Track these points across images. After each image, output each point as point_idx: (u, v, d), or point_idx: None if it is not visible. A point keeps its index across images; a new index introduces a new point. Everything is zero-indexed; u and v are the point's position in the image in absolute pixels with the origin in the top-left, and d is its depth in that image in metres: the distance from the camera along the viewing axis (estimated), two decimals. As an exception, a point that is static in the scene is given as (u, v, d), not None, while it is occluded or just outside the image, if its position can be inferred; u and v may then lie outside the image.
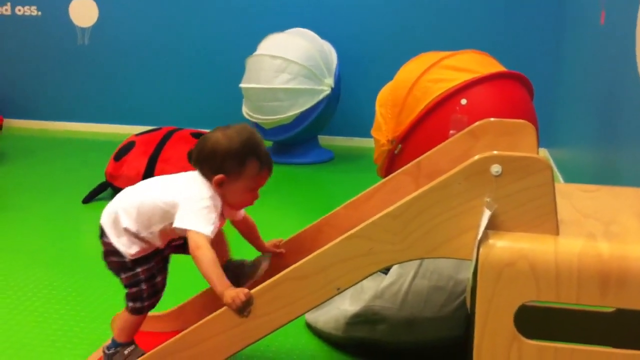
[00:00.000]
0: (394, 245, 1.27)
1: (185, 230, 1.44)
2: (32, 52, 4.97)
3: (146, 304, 1.52)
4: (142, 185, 1.57)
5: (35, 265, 2.41)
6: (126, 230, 1.49)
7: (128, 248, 1.49)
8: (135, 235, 1.49)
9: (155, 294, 1.53)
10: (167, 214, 1.47)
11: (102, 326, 1.92)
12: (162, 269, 1.57)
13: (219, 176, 1.47)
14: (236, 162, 1.47)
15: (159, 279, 1.54)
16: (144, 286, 1.51)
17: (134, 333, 1.57)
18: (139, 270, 1.51)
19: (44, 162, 4.05)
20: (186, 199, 1.46)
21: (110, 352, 1.55)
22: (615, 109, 2.35)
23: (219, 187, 1.48)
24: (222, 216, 1.53)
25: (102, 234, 1.53)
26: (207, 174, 1.49)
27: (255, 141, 1.50)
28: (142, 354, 1.51)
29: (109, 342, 1.57)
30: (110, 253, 1.52)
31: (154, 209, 1.48)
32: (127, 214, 1.49)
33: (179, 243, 1.59)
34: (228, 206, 1.54)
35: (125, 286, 1.53)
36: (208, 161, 1.49)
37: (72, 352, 1.80)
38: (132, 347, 1.55)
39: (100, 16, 4.82)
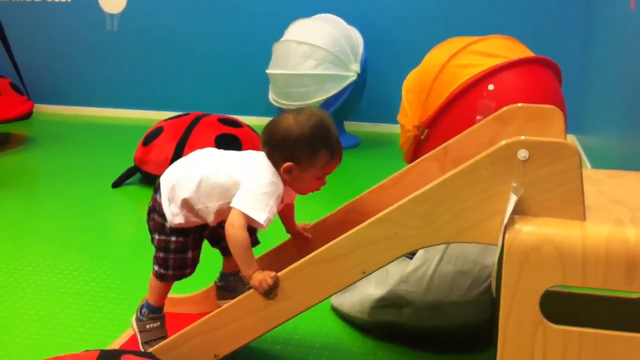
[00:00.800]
0: (419, 230, 1.28)
1: (237, 210, 1.42)
2: (62, 38, 5.03)
3: (170, 272, 1.53)
4: (208, 154, 1.55)
5: (65, 249, 2.46)
6: (183, 199, 1.48)
7: (173, 216, 1.49)
8: (190, 207, 1.48)
9: (182, 267, 1.53)
10: (228, 193, 1.45)
11: (130, 308, 1.95)
12: (197, 246, 1.56)
13: (289, 164, 1.44)
14: (307, 151, 1.43)
15: (190, 254, 1.53)
16: (172, 255, 1.52)
17: (162, 298, 1.57)
18: (173, 238, 1.51)
19: (74, 147, 4.11)
20: (249, 181, 1.44)
21: (139, 315, 1.57)
22: (645, 95, 2.32)
23: (287, 174, 1.45)
24: (281, 202, 1.51)
25: (157, 190, 1.53)
26: (276, 160, 1.46)
27: (327, 129, 1.45)
28: (164, 336, 1.53)
29: (143, 301, 1.59)
30: (156, 211, 1.52)
31: (216, 184, 1.46)
32: (188, 183, 1.48)
33: None
34: (294, 191, 1.52)
35: (156, 248, 1.53)
36: (278, 147, 1.45)
37: (101, 333, 1.84)
38: (156, 324, 1.56)
39: (128, 3, 4.86)
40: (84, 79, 5.05)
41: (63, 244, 2.51)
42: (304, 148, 1.43)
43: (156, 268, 1.54)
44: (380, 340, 1.80)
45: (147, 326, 1.55)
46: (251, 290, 1.41)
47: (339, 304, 1.92)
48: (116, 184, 3.22)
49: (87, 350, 1.18)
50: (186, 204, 1.49)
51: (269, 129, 1.48)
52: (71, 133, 4.49)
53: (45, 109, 5.03)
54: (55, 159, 3.82)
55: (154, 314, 1.57)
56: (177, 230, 1.51)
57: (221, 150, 1.57)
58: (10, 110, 3.99)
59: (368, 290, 1.83)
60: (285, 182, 1.48)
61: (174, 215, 1.49)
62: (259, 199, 1.43)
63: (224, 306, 1.45)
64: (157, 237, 1.53)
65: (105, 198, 3.09)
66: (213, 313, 1.45)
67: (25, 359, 1.70)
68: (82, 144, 4.21)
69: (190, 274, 1.56)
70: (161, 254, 1.53)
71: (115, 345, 1.59)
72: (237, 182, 1.45)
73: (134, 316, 1.59)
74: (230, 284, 1.67)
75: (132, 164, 3.26)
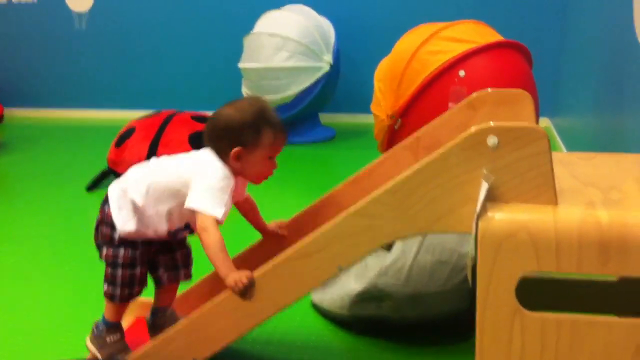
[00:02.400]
0: (393, 221, 1.26)
1: (194, 211, 1.42)
2: (30, 39, 4.94)
3: (118, 291, 1.49)
4: (155, 162, 1.54)
5: (40, 255, 2.42)
6: (133, 205, 1.46)
7: (124, 224, 1.46)
8: (140, 213, 1.46)
9: (131, 284, 1.49)
10: (179, 193, 1.44)
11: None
12: (145, 264, 1.52)
13: (237, 149, 1.45)
14: (252, 132, 1.45)
15: (138, 271, 1.50)
16: (119, 271, 1.48)
17: (120, 315, 1.54)
18: (122, 251, 1.48)
19: (46, 150, 4.05)
20: (199, 179, 1.43)
21: (96, 331, 1.53)
22: (617, 77, 2.32)
23: (237, 160, 1.46)
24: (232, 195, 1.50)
25: (105, 201, 1.51)
26: (223, 150, 1.46)
27: (267, 109, 1.48)
28: (127, 349, 1.50)
29: (96, 321, 1.56)
30: (104, 223, 1.49)
31: (166, 186, 1.45)
32: (137, 188, 1.47)
33: (181, 237, 1.56)
34: (247, 179, 1.51)
35: (105, 263, 1.50)
36: (223, 137, 1.46)
37: (82, 339, 1.80)
38: (116, 336, 1.53)
39: (95, 1, 4.79)
40: (53, 81, 4.98)
41: (38, 250, 2.47)
42: (248, 131, 1.45)
43: (105, 287, 1.51)
44: (362, 335, 1.79)
45: (108, 339, 1.52)
46: (228, 291, 1.39)
47: (319, 301, 1.90)
48: (91, 187, 3.17)
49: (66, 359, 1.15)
50: (137, 210, 1.47)
51: (210, 124, 1.50)
52: (43, 136, 4.42)
53: (15, 113, 4.95)
54: (28, 163, 3.76)
55: (112, 328, 1.53)
56: (126, 242, 1.48)
57: (168, 156, 1.55)
58: (-21, 116, 3.93)
59: (348, 285, 1.81)
60: (236, 172, 1.48)
61: (125, 222, 1.47)
62: (213, 194, 1.42)
63: (201, 308, 1.43)
64: (105, 251, 1.50)
65: (80, 201, 3.05)
66: (191, 316, 1.43)
67: (1, 371, 1.67)
68: (55, 147, 4.15)
69: (138, 293, 1.52)
70: (109, 270, 1.50)
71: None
72: (187, 181, 1.44)
73: (88, 336, 1.55)
74: (158, 321, 1.61)
75: (105, 166, 3.22)
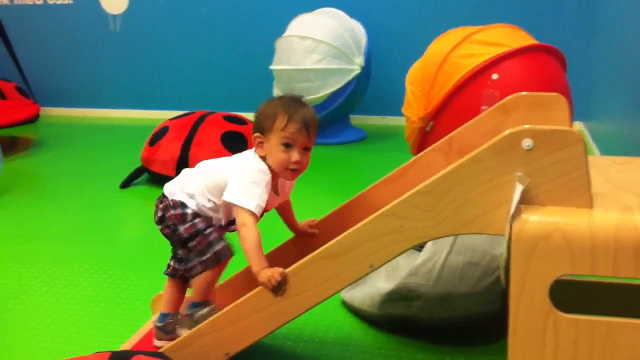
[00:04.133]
0: (425, 222, 1.27)
1: (233, 205, 1.48)
2: (65, 40, 5.04)
3: (219, 247, 1.52)
4: (207, 162, 1.61)
5: (75, 251, 2.47)
6: (189, 195, 1.54)
7: (190, 201, 1.54)
8: (199, 207, 1.54)
9: (225, 239, 1.55)
10: (223, 189, 1.50)
11: (141, 308, 1.96)
12: (221, 231, 1.58)
13: (255, 134, 1.51)
14: (267, 118, 1.49)
15: (216, 233, 1.54)
16: (207, 232, 1.52)
17: (211, 288, 1.57)
18: (197, 221, 1.53)
19: (81, 149, 4.12)
20: (235, 174, 1.49)
21: (189, 312, 1.56)
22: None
23: (260, 148, 1.51)
24: (275, 194, 1.55)
25: (163, 196, 1.57)
26: (253, 140, 1.53)
27: (290, 101, 1.52)
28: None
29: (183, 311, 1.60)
30: (171, 207, 1.54)
31: (213, 184, 1.52)
32: (191, 186, 1.55)
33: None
34: (275, 172, 1.53)
35: (187, 239, 1.52)
36: (253, 128, 1.53)
37: (113, 334, 1.84)
38: (208, 308, 1.56)
39: (130, 3, 4.86)
40: (88, 81, 5.06)
41: (73, 246, 2.52)
42: (266, 116, 1.50)
43: (203, 258, 1.52)
44: (391, 333, 1.80)
45: (200, 313, 1.54)
46: (260, 288, 1.41)
47: (349, 299, 1.91)
48: (124, 185, 3.22)
49: (98, 352, 1.18)
50: (199, 201, 1.54)
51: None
52: (77, 135, 4.50)
53: (51, 112, 5.05)
54: (63, 162, 3.83)
55: (200, 305, 1.56)
56: (199, 215, 1.54)
57: (213, 159, 1.61)
58: (16, 114, 4.01)
59: (378, 284, 1.83)
60: (270, 168, 1.50)
61: (190, 200, 1.54)
62: (246, 187, 1.47)
63: (234, 303, 1.45)
64: (182, 228, 1.53)
65: (114, 199, 3.10)
66: (223, 311, 1.46)
67: (38, 362, 1.71)
68: (89, 146, 4.22)
69: (225, 254, 1.54)
70: (199, 238, 1.52)
71: (127, 345, 1.60)
72: (227, 177, 1.50)
73: (182, 324, 1.59)
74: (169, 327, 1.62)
75: (139, 164, 3.27)
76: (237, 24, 4.66)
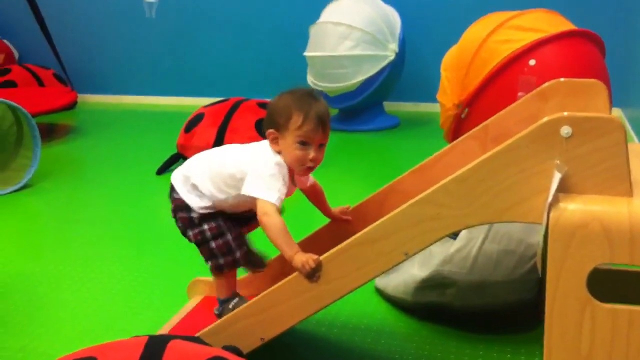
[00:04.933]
0: (461, 210, 1.27)
1: (252, 198, 1.47)
2: (101, 28, 5.10)
3: (222, 261, 1.54)
4: (214, 151, 1.60)
5: (112, 237, 2.51)
6: (200, 188, 1.53)
7: (198, 202, 1.53)
8: (208, 197, 1.53)
9: (230, 251, 1.54)
10: (239, 182, 1.50)
11: (177, 294, 1.99)
12: (233, 227, 1.57)
13: (270, 131, 1.50)
14: (281, 115, 1.48)
15: (229, 236, 1.55)
16: (213, 244, 1.53)
17: (231, 287, 1.59)
18: (205, 227, 1.54)
19: (118, 135, 4.18)
20: (253, 167, 1.49)
21: (219, 311, 1.59)
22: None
23: (274, 144, 1.50)
24: (292, 184, 1.54)
25: (172, 190, 1.58)
26: (268, 136, 1.51)
27: (303, 97, 1.50)
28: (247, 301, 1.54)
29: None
30: (179, 208, 1.55)
31: (225, 175, 1.51)
32: (200, 177, 1.54)
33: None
34: (290, 167, 1.53)
35: (197, 245, 1.55)
36: (265, 122, 1.52)
37: (150, 318, 1.88)
38: (235, 300, 1.58)
39: (165, -10, 4.90)
40: (125, 68, 5.12)
41: (110, 232, 2.56)
42: (280, 113, 1.49)
43: (210, 264, 1.56)
44: (425, 320, 1.80)
45: (230, 305, 1.56)
46: (295, 274, 1.42)
47: (383, 286, 1.92)
48: (160, 171, 3.26)
49: (136, 336, 1.20)
50: (204, 196, 1.53)
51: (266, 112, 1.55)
52: (114, 121, 4.56)
53: (89, 99, 5.12)
54: (100, 148, 3.89)
55: (228, 301, 1.59)
56: (206, 218, 1.54)
57: (224, 146, 1.62)
58: (54, 101, 4.08)
59: (412, 271, 1.82)
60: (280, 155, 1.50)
61: (197, 201, 1.53)
62: (265, 180, 1.47)
63: (270, 289, 1.46)
64: (190, 233, 1.55)
65: (150, 185, 3.14)
66: (259, 296, 1.47)
67: (76, 346, 1.74)
68: (126, 132, 4.28)
69: (242, 257, 1.56)
70: (205, 248, 1.55)
71: (164, 330, 1.63)
72: (243, 170, 1.50)
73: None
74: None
75: (175, 151, 3.31)
76: (271, 10, 4.67)
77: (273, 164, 1.49)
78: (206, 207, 1.54)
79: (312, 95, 1.52)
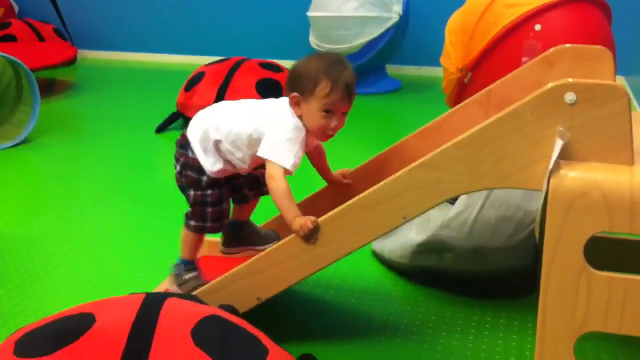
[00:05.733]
0: (462, 175, 1.26)
1: (265, 160, 1.47)
2: (102, -17, 5.02)
3: (209, 225, 1.55)
4: (234, 106, 1.57)
5: (112, 194, 2.51)
6: (216, 146, 1.51)
7: (212, 165, 1.51)
8: (224, 155, 1.52)
9: (220, 219, 1.55)
10: (257, 142, 1.48)
11: (175, 251, 1.99)
12: (228, 198, 1.59)
13: (293, 94, 1.47)
14: (309, 80, 1.46)
15: (225, 205, 1.56)
16: (209, 209, 1.53)
17: (196, 252, 1.61)
18: (209, 192, 1.53)
19: (118, 92, 4.15)
20: (271, 129, 1.47)
21: (175, 271, 1.60)
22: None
23: (296, 107, 1.48)
24: (305, 146, 1.53)
25: (186, 145, 1.54)
26: (290, 97, 1.49)
27: (333, 64, 1.47)
28: (202, 284, 1.55)
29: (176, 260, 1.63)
30: (190, 167, 1.53)
31: (245, 135, 1.49)
32: (219, 133, 1.51)
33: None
34: (310, 133, 1.51)
35: (192, 203, 1.55)
36: (289, 83, 1.50)
37: (148, 276, 1.89)
38: (193, 274, 1.58)
39: (167, -55, 4.81)
40: (125, 24, 5.06)
41: (111, 190, 2.56)
42: (307, 78, 1.46)
43: (193, 223, 1.55)
44: (421, 285, 1.81)
45: (185, 277, 1.58)
46: (293, 235, 1.42)
47: (379, 249, 1.92)
48: (160, 129, 3.25)
49: (133, 293, 1.20)
50: (221, 153, 1.51)
51: (289, 72, 1.52)
52: (114, 78, 4.53)
53: (89, 55, 5.07)
54: (100, 105, 3.86)
55: (189, 266, 1.59)
56: (213, 183, 1.53)
57: (241, 101, 1.59)
58: (54, 56, 4.04)
59: (409, 235, 1.83)
60: (300, 120, 1.49)
61: (213, 164, 1.51)
62: (283, 145, 1.45)
63: (266, 250, 1.47)
64: (193, 192, 1.54)
65: (149, 143, 3.13)
66: (256, 257, 1.47)
67: (75, 301, 1.75)
68: (126, 89, 4.24)
69: (225, 224, 1.59)
70: (199, 208, 1.54)
71: (160, 288, 1.63)
72: (262, 131, 1.48)
73: (168, 278, 1.63)
74: (244, 232, 1.67)
75: (175, 109, 3.29)
76: (274, -32, 4.59)
77: (292, 127, 1.47)
78: (218, 172, 1.52)
79: (342, 62, 1.49)
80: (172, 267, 1.62)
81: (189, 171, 1.54)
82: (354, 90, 1.48)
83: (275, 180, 1.44)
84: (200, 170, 1.52)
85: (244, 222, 1.68)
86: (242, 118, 1.51)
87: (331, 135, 1.51)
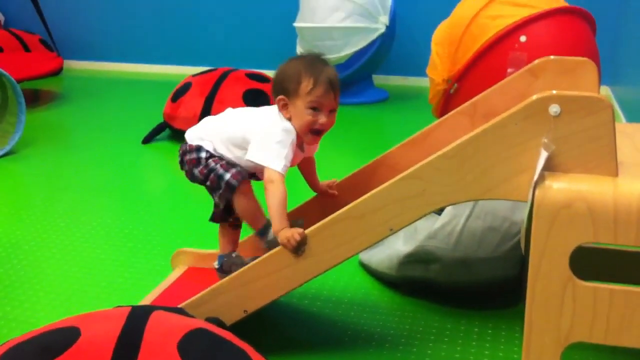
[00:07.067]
0: (447, 187, 1.27)
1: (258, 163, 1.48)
2: (88, -6, 5.01)
3: (229, 178, 1.50)
4: (228, 114, 1.60)
5: (97, 205, 2.50)
6: (211, 143, 1.54)
7: (208, 144, 1.54)
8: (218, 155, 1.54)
9: (235, 172, 1.51)
10: (245, 145, 1.50)
11: (162, 263, 1.99)
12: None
13: (280, 97, 1.49)
14: (291, 81, 1.47)
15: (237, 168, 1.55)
16: (219, 166, 1.52)
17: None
18: (211, 161, 1.53)
19: (104, 103, 4.13)
20: (258, 132, 1.49)
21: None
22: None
23: (284, 110, 1.49)
24: (300, 151, 1.54)
25: (183, 144, 1.58)
26: (277, 102, 1.51)
27: (313, 61, 1.49)
28: (242, 261, 1.57)
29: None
30: (187, 152, 1.56)
31: (235, 137, 1.51)
32: (212, 135, 1.55)
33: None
34: (299, 134, 1.51)
35: (203, 180, 1.54)
36: (274, 88, 1.51)
37: (134, 288, 1.87)
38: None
39: (154, -44, 4.81)
40: (112, 35, 5.05)
41: (94, 200, 2.54)
42: (290, 79, 1.48)
43: (217, 195, 1.53)
44: (409, 295, 1.81)
45: (269, 239, 1.54)
46: (279, 247, 1.42)
47: (367, 260, 1.92)
48: (146, 140, 3.23)
49: (119, 307, 1.20)
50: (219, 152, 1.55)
51: (273, 78, 1.55)
52: (100, 89, 4.51)
53: (75, 65, 5.05)
54: (86, 115, 3.85)
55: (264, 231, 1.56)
56: (214, 156, 1.54)
57: (238, 108, 1.61)
58: (40, 67, 4.02)
59: (396, 246, 1.83)
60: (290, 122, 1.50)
61: (208, 143, 1.54)
62: (272, 148, 1.46)
63: (253, 262, 1.46)
64: (197, 171, 1.54)
65: (136, 154, 3.11)
66: (242, 269, 1.47)
67: (59, 315, 1.74)
68: (112, 100, 4.23)
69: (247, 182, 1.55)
70: (211, 177, 1.52)
71: (147, 300, 1.62)
72: (251, 134, 1.50)
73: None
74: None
75: (161, 120, 3.28)
76: (261, -21, 4.60)
77: (280, 129, 1.48)
78: (215, 150, 1.54)
79: (321, 60, 1.52)
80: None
81: (187, 155, 1.56)
82: (337, 85, 1.49)
83: (273, 184, 1.45)
84: (199, 149, 1.54)
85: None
86: (234, 123, 1.54)
87: (319, 135, 1.52)
